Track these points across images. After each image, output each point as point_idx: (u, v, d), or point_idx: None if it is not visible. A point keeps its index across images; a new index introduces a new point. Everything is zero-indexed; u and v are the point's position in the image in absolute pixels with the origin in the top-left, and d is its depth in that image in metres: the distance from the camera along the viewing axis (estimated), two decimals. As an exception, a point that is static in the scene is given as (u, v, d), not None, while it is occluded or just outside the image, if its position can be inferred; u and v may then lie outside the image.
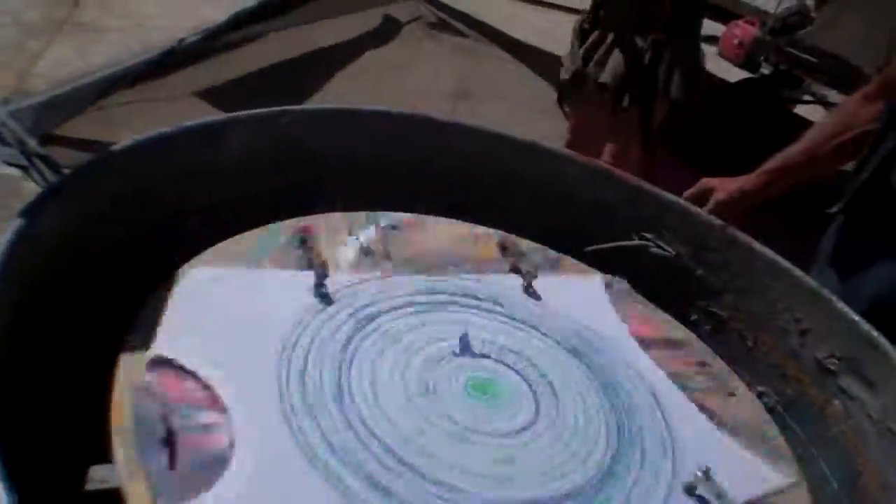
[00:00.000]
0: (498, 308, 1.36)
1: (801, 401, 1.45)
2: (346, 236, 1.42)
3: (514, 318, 1.35)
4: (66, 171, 2.64)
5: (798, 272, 1.48)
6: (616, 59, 2.50)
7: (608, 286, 1.51)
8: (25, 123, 2.84)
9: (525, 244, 1.55)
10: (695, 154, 3.21)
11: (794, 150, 1.68)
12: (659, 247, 1.63)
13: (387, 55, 4.58)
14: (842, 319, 1.40)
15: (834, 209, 1.65)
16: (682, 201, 1.64)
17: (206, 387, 1.02)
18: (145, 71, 3.05)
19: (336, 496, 0.94)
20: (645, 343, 1.40)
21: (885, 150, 1.53)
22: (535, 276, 1.43)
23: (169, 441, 0.93)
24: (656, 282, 1.57)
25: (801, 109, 4.65)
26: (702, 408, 1.30)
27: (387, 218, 1.49)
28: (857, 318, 1.38)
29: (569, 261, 1.56)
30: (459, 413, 1.12)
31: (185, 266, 1.24)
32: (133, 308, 1.13)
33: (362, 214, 1.48)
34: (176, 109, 3.26)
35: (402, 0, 4.60)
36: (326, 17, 4.05)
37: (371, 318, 1.24)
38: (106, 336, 1.07)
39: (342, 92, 3.94)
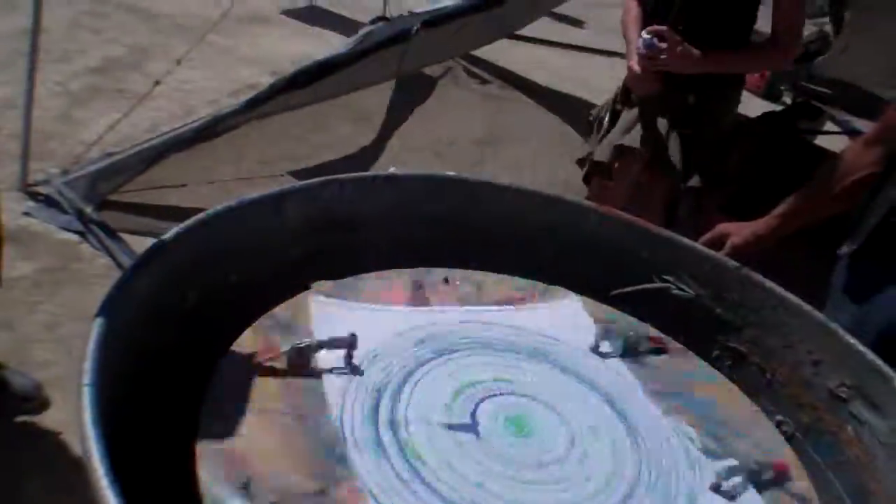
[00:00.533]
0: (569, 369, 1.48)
1: (817, 427, 1.54)
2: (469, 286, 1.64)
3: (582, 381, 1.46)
4: (120, 234, 2.83)
5: (808, 307, 1.59)
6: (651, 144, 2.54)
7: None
8: (81, 191, 3.05)
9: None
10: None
11: (801, 196, 1.81)
12: (680, 288, 1.74)
13: (414, 103, 4.75)
14: (849, 350, 1.50)
15: (844, 250, 1.77)
16: (698, 246, 1.76)
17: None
18: (191, 139, 3.23)
19: None
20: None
21: (892, 196, 1.65)
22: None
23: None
24: (679, 321, 1.68)
25: (826, 141, 4.73)
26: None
27: (516, 283, 1.69)
28: (862, 348, 1.49)
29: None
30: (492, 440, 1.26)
31: (260, 319, 1.41)
32: (208, 369, 1.28)
33: (496, 276, 1.69)
34: (220, 173, 3.44)
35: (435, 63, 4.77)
36: (359, 87, 4.22)
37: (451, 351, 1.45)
38: (190, 391, 1.23)
39: (379, 143, 4.13)
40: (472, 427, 1.27)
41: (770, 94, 6.66)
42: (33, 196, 3.08)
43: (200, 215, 1.44)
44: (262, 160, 3.60)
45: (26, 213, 2.98)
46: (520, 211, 1.80)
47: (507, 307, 1.61)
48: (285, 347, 1.30)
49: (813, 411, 1.56)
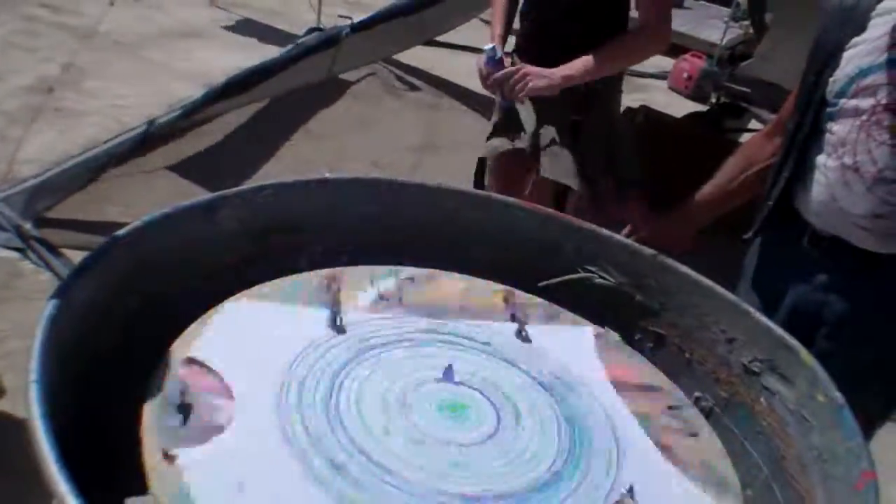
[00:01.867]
0: (487, 348, 1.57)
1: (733, 401, 1.63)
2: (367, 284, 1.67)
3: (498, 357, 1.55)
4: (62, 250, 2.85)
5: (720, 289, 1.68)
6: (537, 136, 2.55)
7: (598, 336, 1.68)
8: (18, 208, 3.06)
9: (525, 297, 1.74)
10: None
11: (708, 189, 1.93)
12: (602, 277, 1.83)
13: (349, 113, 4.80)
14: (759, 327, 1.60)
15: (749, 234, 1.88)
16: (616, 236, 1.85)
17: (222, 381, 1.33)
18: (128, 150, 3.25)
19: (297, 466, 1.20)
20: (619, 385, 1.55)
21: (784, 178, 1.77)
22: (526, 322, 1.64)
23: (185, 409, 1.26)
24: (602, 308, 1.77)
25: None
26: (658, 443, 1.43)
27: (406, 272, 1.74)
28: (771, 324, 1.59)
29: (567, 315, 1.73)
30: (426, 423, 1.34)
31: (196, 322, 1.46)
32: (152, 363, 1.35)
33: (385, 268, 1.73)
34: (155, 184, 3.47)
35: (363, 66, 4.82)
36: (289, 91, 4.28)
37: (371, 348, 1.50)
38: (133, 389, 1.29)
39: (315, 153, 4.18)
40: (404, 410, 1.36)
41: (698, 96, 6.84)
42: (-31, 215, 3.06)
43: (136, 222, 1.50)
44: (193, 170, 3.64)
45: (-36, 235, 2.97)
46: (449, 210, 1.88)
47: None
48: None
49: (729, 386, 1.65)
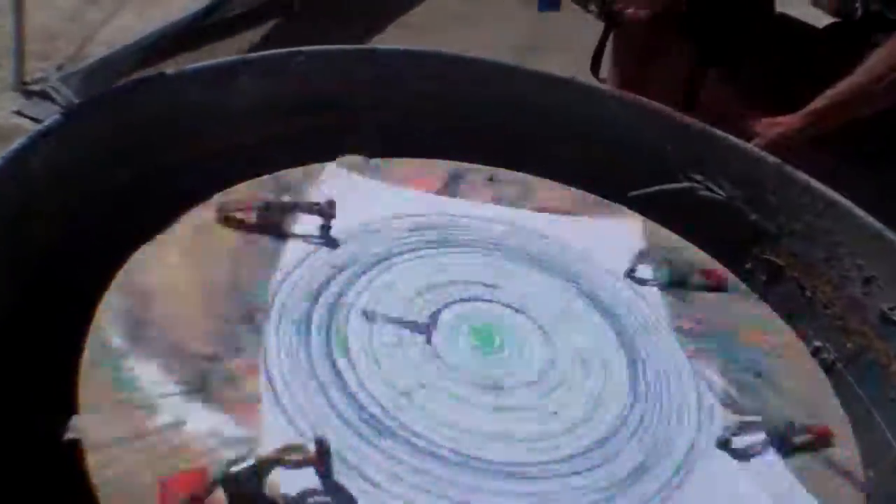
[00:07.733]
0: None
1: (863, 357, 1.35)
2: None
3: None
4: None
5: (861, 212, 1.37)
6: None
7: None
8: (75, 87, 2.89)
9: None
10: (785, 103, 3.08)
11: (844, 87, 1.63)
12: (709, 189, 1.53)
13: (450, 8, 4.56)
14: (910, 265, 1.30)
15: None
16: (732, 138, 1.53)
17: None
18: (187, 31, 3.13)
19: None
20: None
21: None
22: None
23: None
24: (707, 229, 1.46)
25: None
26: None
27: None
28: (926, 263, 1.28)
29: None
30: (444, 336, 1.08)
31: (188, 214, 1.19)
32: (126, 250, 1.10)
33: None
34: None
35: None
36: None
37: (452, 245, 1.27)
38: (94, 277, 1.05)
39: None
40: (422, 328, 1.08)
41: (843, 11, 6.26)
42: (28, 94, 2.98)
43: (125, 82, 1.26)
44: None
45: (17, 112, 2.88)
46: (521, 95, 1.59)
47: (546, 215, 1.39)
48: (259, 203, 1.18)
49: (860, 337, 1.37)
